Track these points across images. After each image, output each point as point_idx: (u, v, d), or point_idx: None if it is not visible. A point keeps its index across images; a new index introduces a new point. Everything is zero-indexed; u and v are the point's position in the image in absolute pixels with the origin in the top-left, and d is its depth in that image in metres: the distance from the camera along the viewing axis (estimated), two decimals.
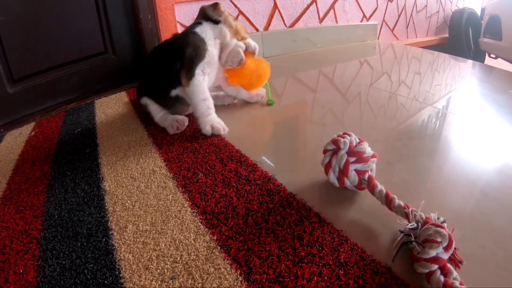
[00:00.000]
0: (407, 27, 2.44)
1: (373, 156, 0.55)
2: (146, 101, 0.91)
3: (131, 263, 0.46)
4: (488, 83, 1.42)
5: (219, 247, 0.46)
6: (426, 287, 0.40)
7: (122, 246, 0.49)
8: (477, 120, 0.91)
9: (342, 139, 0.56)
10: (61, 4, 1.14)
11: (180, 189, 0.60)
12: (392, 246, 0.45)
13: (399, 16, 2.32)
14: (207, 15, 0.90)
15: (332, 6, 1.79)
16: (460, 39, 2.94)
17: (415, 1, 2.44)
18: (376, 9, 2.08)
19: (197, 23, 0.90)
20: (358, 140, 0.57)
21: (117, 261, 0.46)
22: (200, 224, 0.51)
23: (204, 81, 0.83)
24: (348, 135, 0.57)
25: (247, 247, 0.46)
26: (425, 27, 2.68)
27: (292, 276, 0.41)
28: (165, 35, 1.30)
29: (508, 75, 1.54)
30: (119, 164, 0.72)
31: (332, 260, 0.43)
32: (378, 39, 2.15)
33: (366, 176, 0.54)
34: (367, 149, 0.55)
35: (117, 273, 0.44)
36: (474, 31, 3.04)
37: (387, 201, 0.50)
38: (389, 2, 2.18)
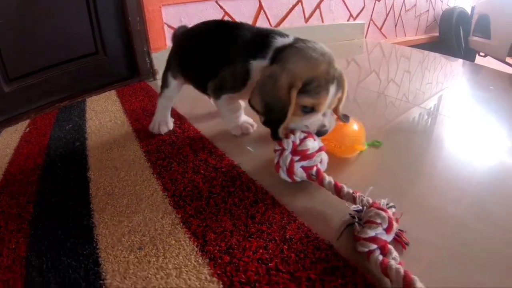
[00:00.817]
0: (395, 26, 2.50)
1: (319, 150, 0.61)
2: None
3: (107, 237, 0.54)
4: (475, 82, 1.48)
5: (181, 224, 0.54)
6: (367, 265, 0.45)
7: (101, 223, 0.57)
8: (464, 118, 0.96)
9: (285, 140, 0.61)
10: (54, 7, 1.21)
11: (155, 176, 0.68)
12: (339, 228, 0.52)
13: (387, 15, 2.38)
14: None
15: (318, 6, 1.86)
16: (450, 37, 3.00)
17: (404, 0, 2.51)
18: (363, 8, 2.15)
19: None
20: (302, 137, 0.60)
21: (95, 236, 0.54)
22: (168, 205, 0.59)
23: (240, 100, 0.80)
24: (293, 133, 0.61)
25: (206, 224, 0.54)
26: (414, 26, 2.74)
27: (240, 248, 0.49)
28: (153, 36, 1.37)
29: (496, 73, 1.62)
30: (104, 156, 0.81)
31: (279, 236, 0.51)
32: (365, 37, 2.22)
33: (314, 170, 0.60)
34: (311, 146, 0.59)
35: (94, 245, 0.53)
36: (465, 30, 3.10)
37: (337, 190, 0.56)
38: (377, 2, 2.25)
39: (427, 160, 0.74)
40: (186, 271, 0.46)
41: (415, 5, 2.67)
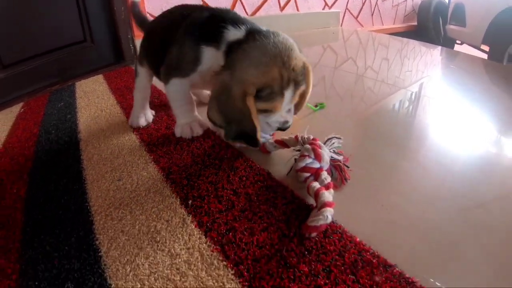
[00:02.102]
0: (372, 15, 2.65)
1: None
2: None
3: (93, 175, 0.68)
4: (452, 67, 1.62)
5: (153, 162, 0.69)
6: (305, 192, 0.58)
7: (88, 167, 0.71)
8: (442, 100, 1.07)
9: None
10: None
11: (134, 133, 0.83)
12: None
13: (363, 4, 2.53)
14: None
15: None
16: (428, 27, 3.16)
17: None
18: None
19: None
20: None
21: (83, 175, 0.68)
22: (144, 151, 0.74)
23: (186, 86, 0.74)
24: None
25: (172, 161, 0.69)
26: (391, 15, 2.89)
27: (196, 175, 0.64)
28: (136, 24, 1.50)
29: (472, 58, 1.77)
30: (92, 122, 0.94)
31: (228, 166, 0.66)
32: (341, 26, 2.37)
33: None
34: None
35: (82, 182, 0.67)
36: (444, 19, 3.26)
37: (281, 145, 0.67)
38: None
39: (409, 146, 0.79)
40: (154, 191, 0.60)
41: None
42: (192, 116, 0.79)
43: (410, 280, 0.43)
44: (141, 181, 0.64)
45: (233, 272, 0.44)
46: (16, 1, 1.27)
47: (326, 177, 0.57)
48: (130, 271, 0.46)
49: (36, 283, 0.46)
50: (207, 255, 0.46)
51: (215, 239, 0.49)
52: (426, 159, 0.71)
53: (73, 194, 0.64)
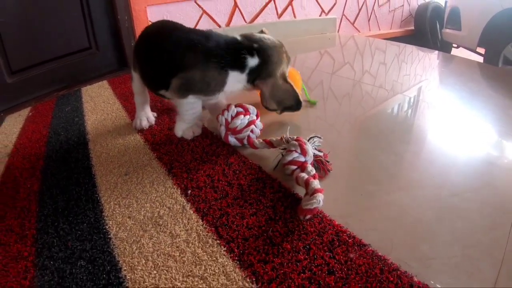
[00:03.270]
0: (368, 20, 2.75)
1: (249, 125, 0.78)
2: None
3: (101, 170, 0.76)
4: (449, 71, 1.70)
5: (156, 159, 0.77)
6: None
7: (97, 164, 0.80)
8: (440, 105, 1.13)
9: (220, 116, 0.80)
10: (51, 7, 1.44)
11: (139, 134, 0.91)
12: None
13: (360, 10, 2.63)
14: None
15: (290, 3, 2.10)
16: (425, 31, 3.25)
17: None
18: (334, 4, 2.39)
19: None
20: (234, 114, 0.79)
21: (93, 171, 0.77)
22: (148, 149, 0.82)
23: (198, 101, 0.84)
24: (228, 110, 0.79)
25: (173, 158, 0.77)
26: (388, 20, 2.99)
27: (195, 170, 0.72)
28: (139, 32, 1.59)
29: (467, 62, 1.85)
30: (99, 124, 1.03)
31: (223, 162, 0.74)
32: (338, 32, 2.46)
33: (245, 141, 0.79)
34: (239, 123, 0.78)
35: (92, 176, 0.75)
36: (441, 23, 3.35)
37: (269, 144, 0.76)
38: None
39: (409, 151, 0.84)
40: (157, 183, 0.69)
41: (389, 0, 2.91)
42: (195, 120, 0.88)
43: (382, 258, 0.50)
44: (145, 175, 0.72)
45: (225, 249, 0.52)
46: (25, 8, 1.37)
47: (311, 169, 0.65)
48: (136, 249, 0.54)
49: (51, 262, 0.54)
50: (203, 235, 0.54)
51: (210, 222, 0.57)
52: (408, 153, 0.79)
53: (84, 187, 0.72)
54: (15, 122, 1.25)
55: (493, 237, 0.54)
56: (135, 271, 0.50)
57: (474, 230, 0.55)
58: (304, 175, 0.63)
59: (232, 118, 0.80)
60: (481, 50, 2.65)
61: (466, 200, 0.62)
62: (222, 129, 0.81)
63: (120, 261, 0.52)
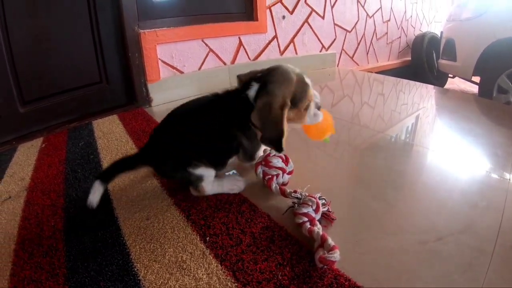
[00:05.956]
0: (367, 53, 2.96)
1: (280, 168, 0.92)
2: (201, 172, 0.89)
3: (124, 214, 0.88)
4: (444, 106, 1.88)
5: (174, 205, 0.90)
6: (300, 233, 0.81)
7: (118, 207, 0.92)
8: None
9: (264, 152, 0.97)
10: (65, 42, 1.59)
11: (155, 178, 1.04)
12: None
13: (359, 44, 2.84)
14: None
15: (292, 40, 2.30)
16: (422, 61, 3.47)
17: (375, 29, 2.97)
18: (334, 39, 2.60)
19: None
20: (272, 154, 0.94)
21: (115, 214, 0.89)
22: (165, 194, 0.95)
23: None
24: (271, 151, 0.95)
25: (190, 204, 0.89)
26: (386, 52, 3.21)
27: (211, 217, 0.84)
28: (149, 69, 1.76)
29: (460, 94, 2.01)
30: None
31: (236, 210, 0.86)
32: (337, 66, 2.66)
33: (267, 177, 0.91)
34: (275, 161, 0.92)
35: (115, 219, 0.87)
36: (437, 53, 3.57)
37: (282, 192, 0.88)
38: (348, 33, 2.70)
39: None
40: (177, 229, 0.81)
41: (387, 33, 3.14)
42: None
43: None
44: (166, 220, 0.84)
45: None
46: (39, 41, 1.52)
47: (319, 227, 0.76)
48: None
49: None
50: (223, 278, 0.66)
51: (228, 267, 0.69)
52: (398, 201, 0.92)
53: (108, 229, 0.84)
54: (29, 153, 1.36)
55: (469, 277, 0.66)
56: None
57: (452, 271, 0.68)
58: (318, 230, 0.74)
59: (272, 156, 0.93)
60: (477, 79, 2.78)
61: (448, 243, 0.75)
62: (258, 160, 0.94)
63: None
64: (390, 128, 1.49)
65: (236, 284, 0.65)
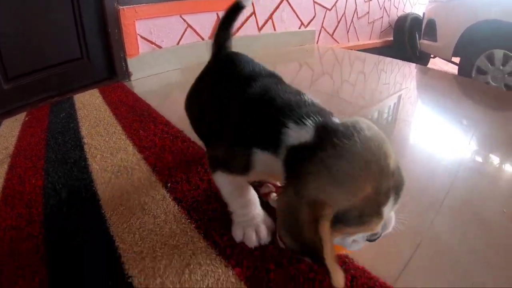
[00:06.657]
0: (347, 31, 3.01)
1: None
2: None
3: (97, 168, 0.97)
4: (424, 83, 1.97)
5: (143, 160, 0.98)
6: None
7: (93, 163, 1.00)
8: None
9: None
10: (47, 20, 1.63)
11: (127, 137, 1.12)
12: None
13: (339, 22, 2.89)
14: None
15: (270, 17, 2.34)
16: (403, 41, 3.54)
17: (356, 8, 3.02)
18: (314, 17, 2.64)
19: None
20: None
21: (89, 169, 0.97)
22: (136, 151, 1.03)
23: None
24: None
25: (157, 158, 0.98)
26: (367, 32, 3.26)
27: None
28: (128, 44, 1.81)
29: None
30: (94, 130, 1.23)
31: (198, 166, 0.95)
32: (317, 43, 2.71)
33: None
34: None
35: (89, 172, 0.95)
36: (419, 34, 3.63)
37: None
38: (327, 11, 2.74)
39: None
40: (143, 179, 0.89)
41: (368, 12, 3.18)
42: (251, 214, 0.66)
43: None
44: (134, 172, 0.93)
45: (194, 226, 0.73)
46: (21, 20, 1.55)
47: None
48: (126, 227, 0.74)
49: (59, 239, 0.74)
50: (178, 216, 0.76)
51: (184, 207, 0.78)
52: None
53: (83, 182, 0.92)
54: (13, 126, 1.43)
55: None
56: (125, 242, 0.70)
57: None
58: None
59: None
60: (456, 60, 2.86)
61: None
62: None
63: (114, 235, 0.72)
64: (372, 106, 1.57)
65: (189, 220, 0.74)
